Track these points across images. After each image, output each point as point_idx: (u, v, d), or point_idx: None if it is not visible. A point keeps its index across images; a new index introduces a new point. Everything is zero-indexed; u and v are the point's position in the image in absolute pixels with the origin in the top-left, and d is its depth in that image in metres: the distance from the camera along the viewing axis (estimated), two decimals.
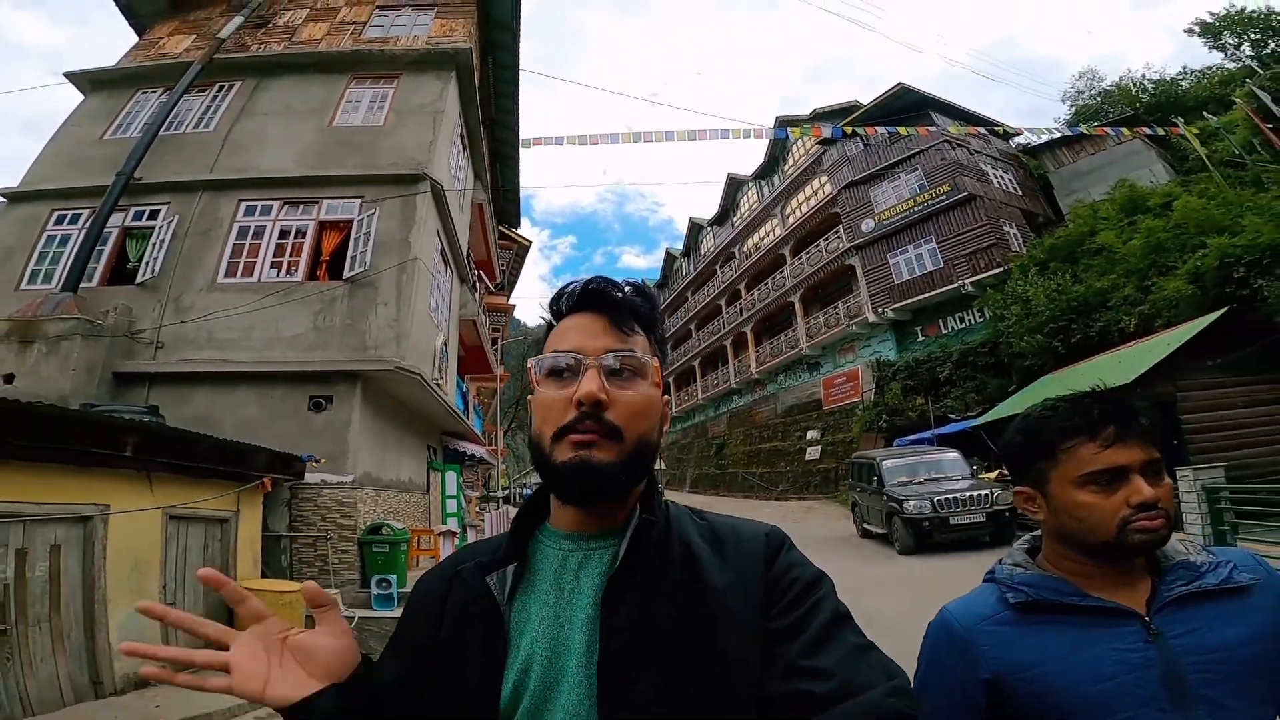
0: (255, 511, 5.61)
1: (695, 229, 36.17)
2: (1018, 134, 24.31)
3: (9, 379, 6.46)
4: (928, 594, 5.68)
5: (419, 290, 7.93)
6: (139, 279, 7.68)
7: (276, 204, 8.23)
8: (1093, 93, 35.03)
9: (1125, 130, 19.97)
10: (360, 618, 5.76)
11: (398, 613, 7.24)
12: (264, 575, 5.81)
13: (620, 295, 0.73)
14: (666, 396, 0.75)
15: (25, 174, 8.98)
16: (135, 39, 11.18)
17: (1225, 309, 9.90)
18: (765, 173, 29.26)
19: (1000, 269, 18.56)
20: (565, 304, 0.74)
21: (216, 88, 9.70)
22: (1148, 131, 19.13)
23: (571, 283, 0.75)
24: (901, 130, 17.79)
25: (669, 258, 40.71)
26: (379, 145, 8.80)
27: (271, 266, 7.83)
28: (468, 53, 9.89)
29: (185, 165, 8.59)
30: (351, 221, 8.05)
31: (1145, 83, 32.61)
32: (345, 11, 10.88)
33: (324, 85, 9.55)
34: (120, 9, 11.20)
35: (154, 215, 8.25)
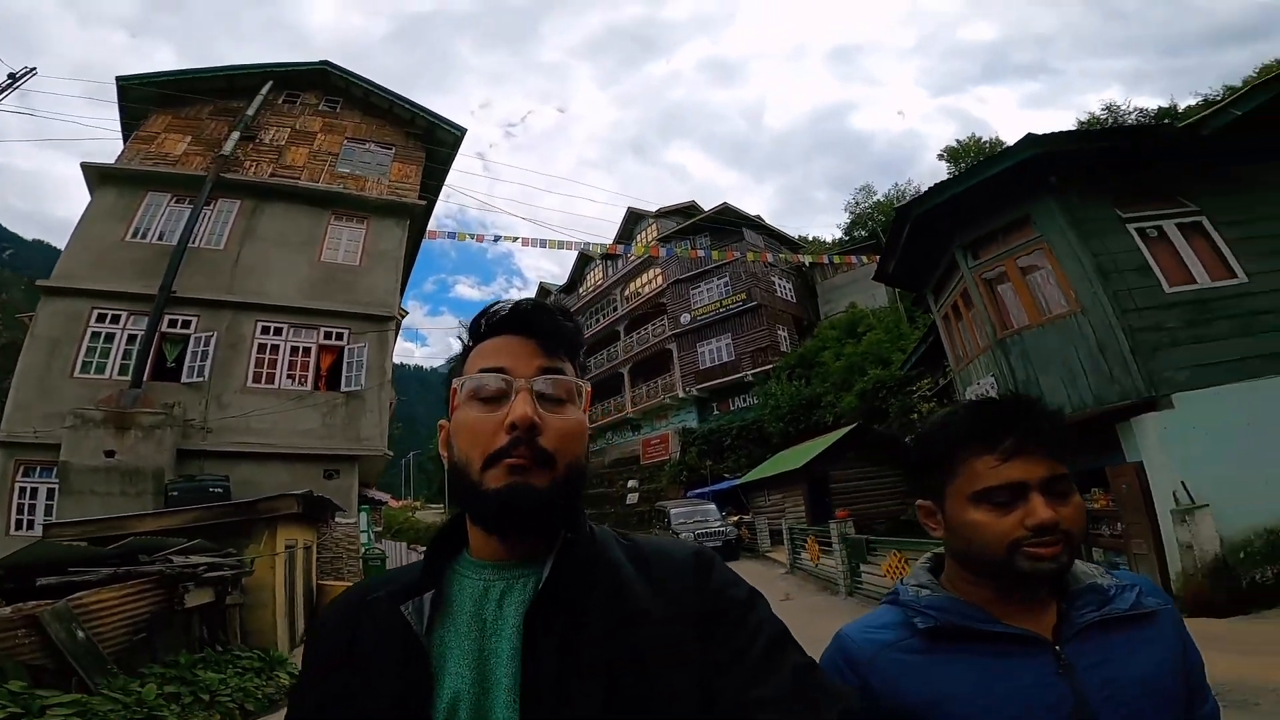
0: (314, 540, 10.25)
1: (544, 293, 42.16)
2: (800, 260, 33.77)
3: (110, 454, 10.31)
4: None
5: (388, 399, 12.91)
6: (185, 379, 11.56)
7: (286, 326, 12.57)
8: (868, 204, 47.73)
9: (864, 258, 30.11)
10: None
11: None
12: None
13: (551, 318, 0.73)
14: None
15: (57, 267, 12.13)
16: (117, 119, 14.35)
17: (855, 424, 18.30)
18: (612, 255, 36.44)
19: (772, 365, 27.13)
20: (490, 324, 0.74)
21: (218, 200, 13.20)
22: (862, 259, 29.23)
23: (496, 302, 0.76)
24: (714, 254, 25.73)
25: None
26: (358, 284, 13.44)
27: (287, 377, 12.22)
28: (423, 207, 15.04)
29: (207, 281, 12.36)
30: (343, 347, 12.76)
31: (904, 198, 45.60)
32: (320, 139, 14.96)
33: (310, 218, 13.70)
34: (119, 98, 14.15)
35: (186, 324, 12.05)
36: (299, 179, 14.21)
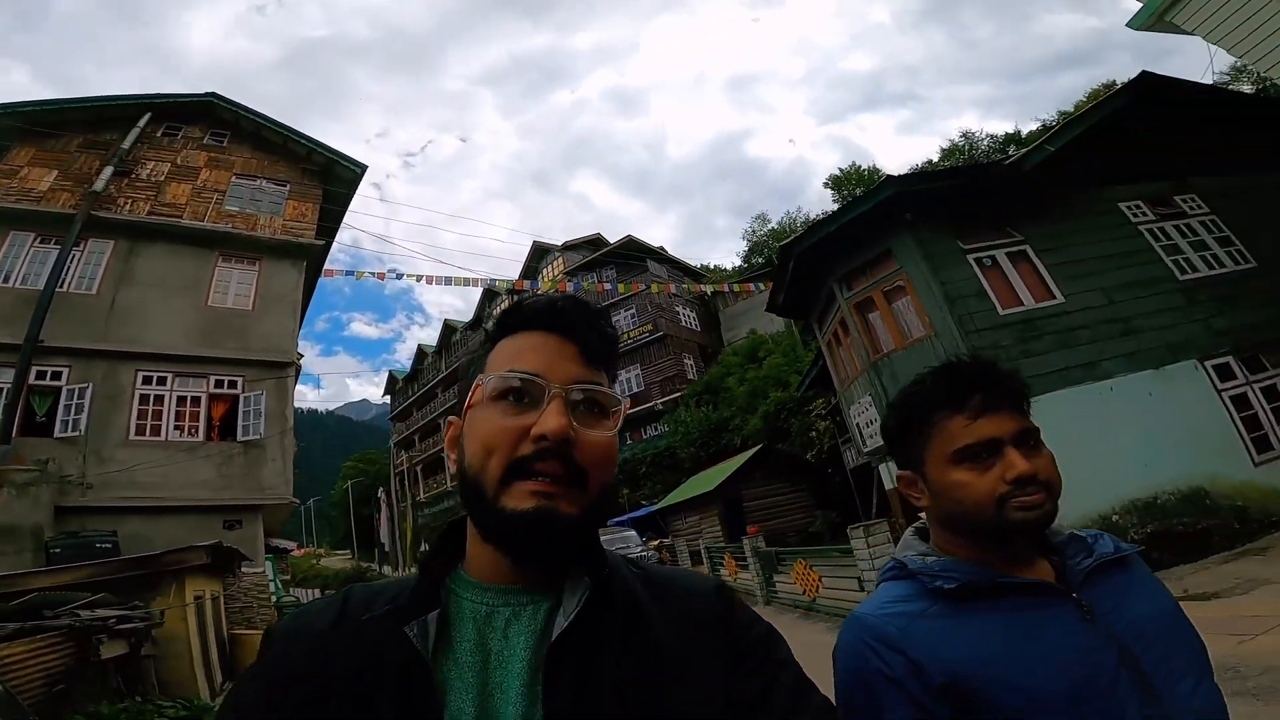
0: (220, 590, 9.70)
1: (449, 330, 41.55)
2: (702, 290, 35.35)
3: None
4: None
5: (290, 446, 12.47)
6: (58, 433, 10.65)
7: (170, 376, 11.89)
8: (763, 231, 50.42)
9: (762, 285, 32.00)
10: None
11: None
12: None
13: (595, 321, 0.68)
14: None
15: None
16: None
17: (761, 445, 19.46)
18: (518, 290, 36.59)
19: (680, 393, 28.16)
20: (523, 319, 0.68)
21: (89, 241, 12.26)
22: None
23: (530, 296, 0.70)
24: (620, 288, 26.56)
25: (420, 354, 45.03)
26: (252, 330, 12.99)
27: (175, 428, 11.52)
28: (321, 248, 14.69)
29: (78, 329, 11.46)
30: (238, 395, 12.23)
31: (796, 226, 48.64)
32: (206, 174, 14.20)
33: (195, 260, 13.04)
34: None
35: (56, 376, 11.13)
36: (181, 217, 13.45)
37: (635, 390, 29.63)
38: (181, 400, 11.92)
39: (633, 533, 18.53)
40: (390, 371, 49.64)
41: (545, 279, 34.74)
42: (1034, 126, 36.08)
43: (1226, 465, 7.39)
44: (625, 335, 30.85)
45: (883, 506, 12.49)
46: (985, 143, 39.93)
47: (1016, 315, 8.30)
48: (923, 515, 1.01)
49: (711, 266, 52.31)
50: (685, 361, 30.73)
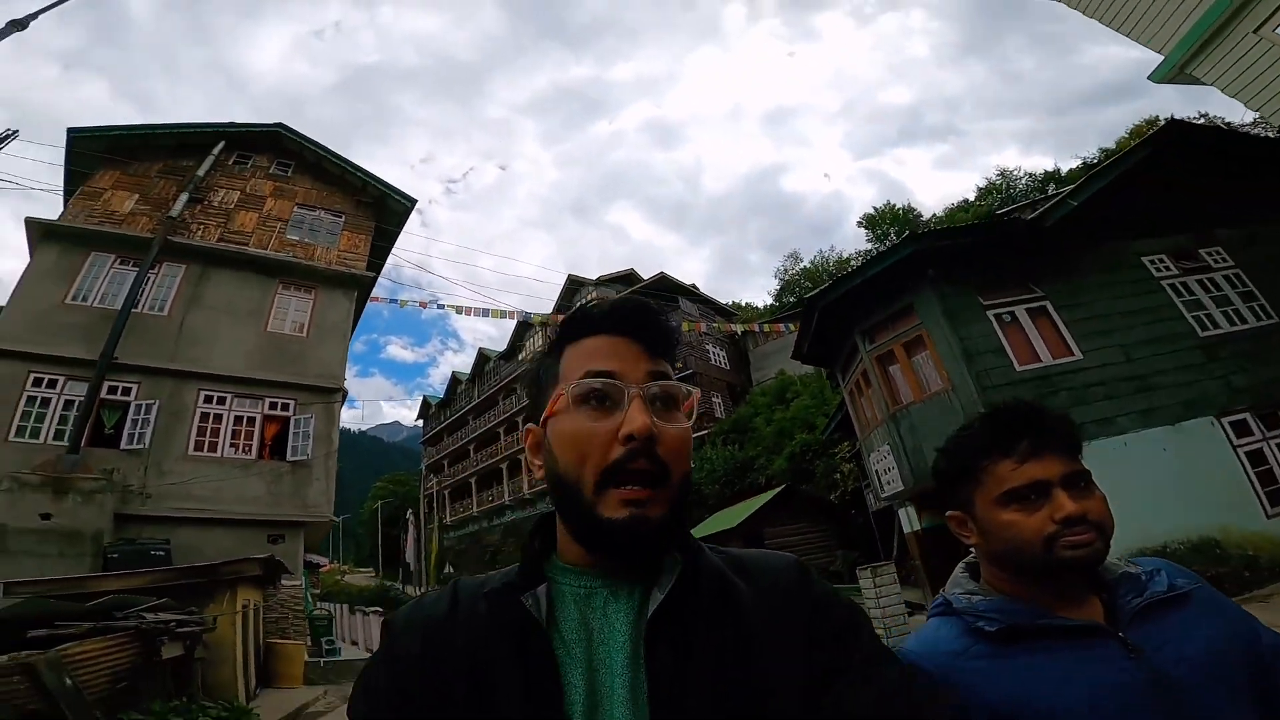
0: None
1: (483, 359, 42.63)
2: (732, 329, 35.70)
3: (46, 517, 10.21)
4: None
5: (334, 467, 13.20)
6: (124, 445, 11.56)
7: (230, 396, 12.81)
8: (796, 270, 50.53)
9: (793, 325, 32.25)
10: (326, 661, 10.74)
11: (345, 657, 11.68)
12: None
13: (656, 318, 0.72)
14: None
15: None
16: (61, 171, 14.13)
17: (785, 485, 19.55)
18: (555, 313, 37.56)
19: (708, 430, 28.35)
20: (589, 323, 0.72)
21: (163, 264, 13.31)
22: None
23: (592, 302, 0.74)
24: None
25: (454, 381, 46.19)
26: (306, 355, 13.87)
27: (230, 446, 12.37)
28: (370, 279, 15.64)
29: (149, 348, 12.49)
30: (289, 418, 13.05)
31: (829, 265, 48.63)
32: (271, 203, 15.28)
33: (258, 287, 14.03)
34: (67, 149, 14.02)
35: (126, 391, 12.11)
36: (248, 245, 14.50)
37: None
38: (238, 420, 12.77)
39: None
40: (424, 396, 50.91)
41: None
42: (1075, 164, 35.90)
43: (1239, 517, 7.47)
44: None
45: (902, 548, 12.55)
46: (1023, 181, 39.80)
47: (1033, 372, 8.54)
48: (968, 554, 1.07)
49: (743, 304, 52.79)
50: (713, 400, 30.96)
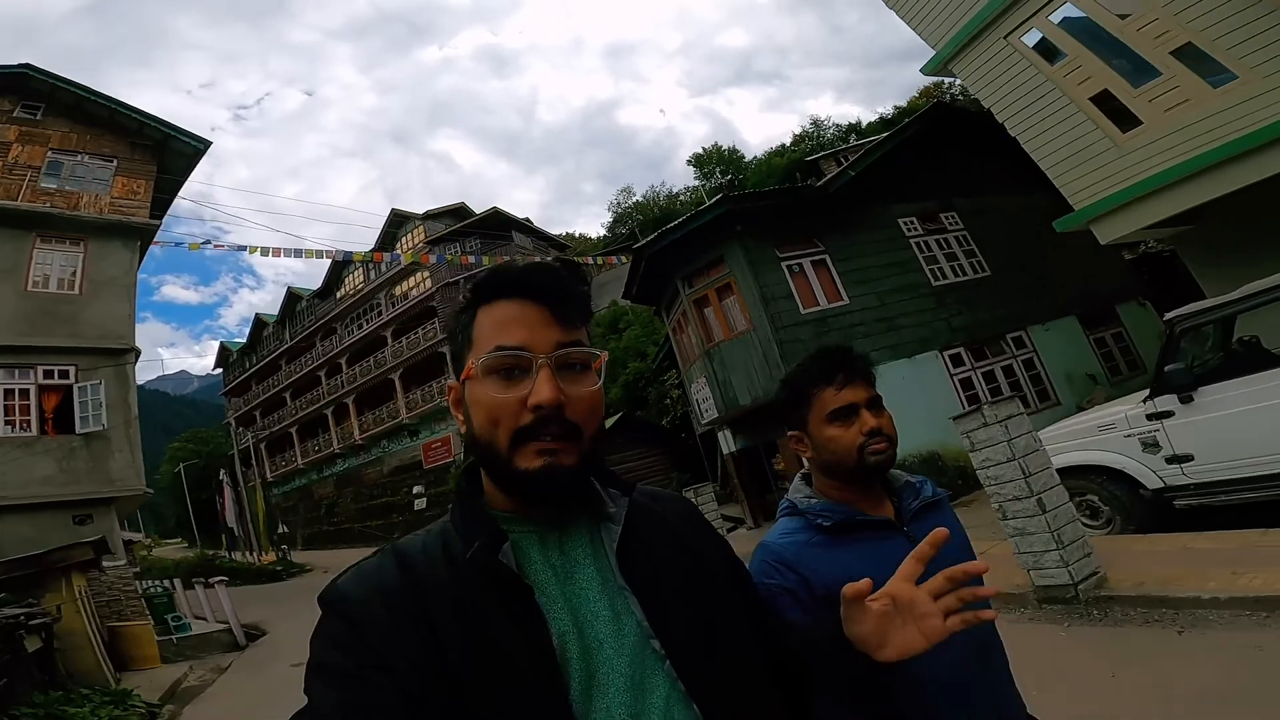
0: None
1: (293, 299, 38.96)
2: (572, 257, 35.98)
3: None
4: None
5: (137, 435, 12.15)
6: None
7: None
8: (629, 203, 51.76)
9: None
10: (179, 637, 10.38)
11: (198, 630, 11.15)
12: None
13: (565, 285, 0.74)
14: None
15: None
16: None
17: (621, 413, 21.33)
18: (375, 250, 35.10)
19: None
20: (503, 288, 0.74)
21: None
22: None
23: (501, 267, 0.76)
24: (485, 260, 26.80)
25: (259, 324, 41.78)
26: (81, 316, 12.24)
27: (6, 423, 10.84)
28: (154, 226, 13.88)
29: None
30: (71, 385, 11.64)
31: (659, 199, 50.47)
32: (18, 150, 12.85)
33: (8, 241, 11.96)
34: None
35: None
36: None
37: None
38: (8, 393, 11.20)
39: None
40: (222, 342, 45.53)
41: (404, 249, 33.60)
42: (873, 118, 40.52)
43: (952, 436, 10.08)
44: None
45: (724, 468, 14.77)
46: (831, 131, 44.23)
47: (813, 314, 10.53)
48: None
49: (577, 235, 53.31)
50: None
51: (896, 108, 36.98)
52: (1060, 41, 8.61)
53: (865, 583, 0.74)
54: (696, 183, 46.58)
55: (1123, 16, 7.92)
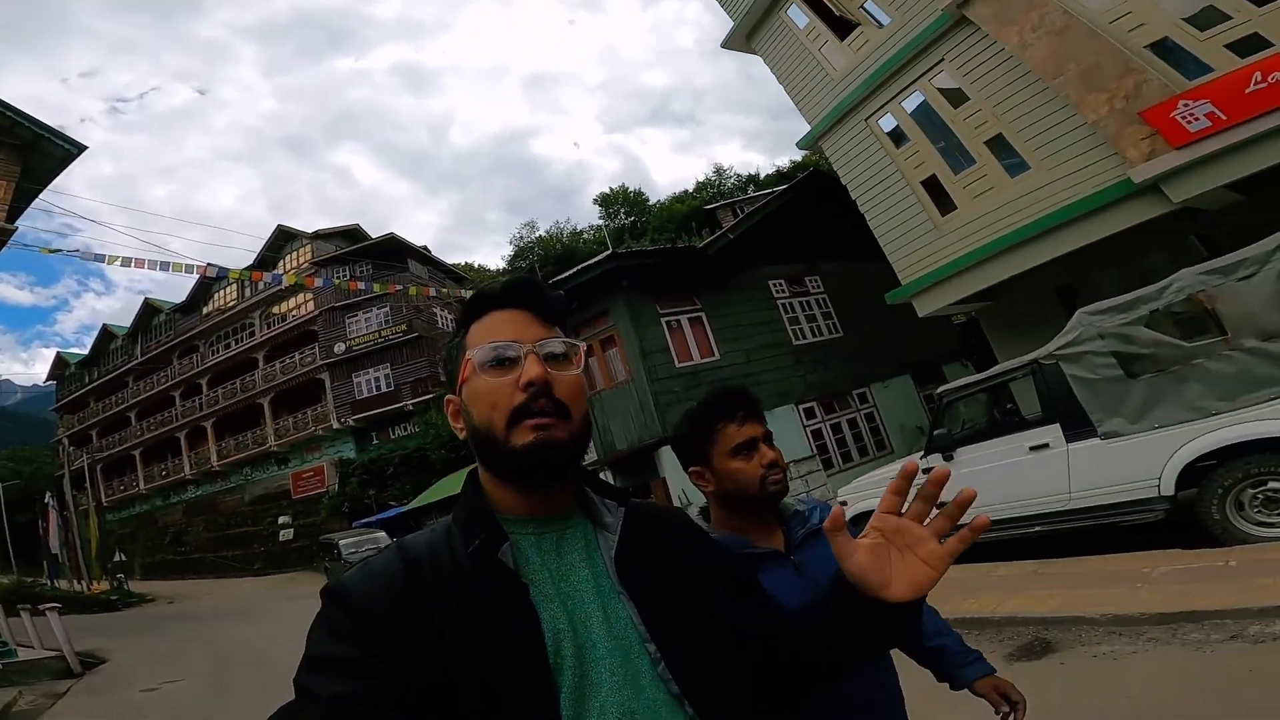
0: None
1: (151, 311, 35.91)
2: (461, 294, 35.61)
3: None
4: None
5: None
6: None
7: None
8: (531, 238, 51.95)
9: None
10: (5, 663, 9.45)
11: (25, 656, 9.99)
12: None
13: (542, 292, 0.85)
14: None
15: None
16: None
17: None
18: (254, 269, 33.13)
19: (433, 394, 28.69)
20: (488, 302, 0.84)
21: None
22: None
23: (486, 286, 0.87)
24: (376, 287, 26.25)
25: (106, 335, 38.00)
26: None
27: None
28: (10, 233, 12.78)
29: None
30: None
31: (563, 236, 50.98)
32: None
33: None
34: None
35: None
36: None
37: (384, 390, 29.39)
38: None
39: (382, 534, 19.26)
40: (59, 352, 40.82)
41: (287, 268, 31.86)
42: (771, 170, 43.74)
43: None
44: (377, 334, 30.28)
45: None
46: (732, 180, 47.18)
47: (687, 368, 11.68)
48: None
49: (475, 266, 52.80)
50: (439, 363, 31.29)
51: (792, 161, 40.27)
52: (908, 128, 10.16)
53: (840, 509, 0.76)
54: (600, 222, 47.93)
55: (955, 105, 9.49)
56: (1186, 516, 4.67)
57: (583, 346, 0.84)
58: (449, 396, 0.86)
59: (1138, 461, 4.81)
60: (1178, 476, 4.63)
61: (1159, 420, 4.76)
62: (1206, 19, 7.33)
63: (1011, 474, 5.49)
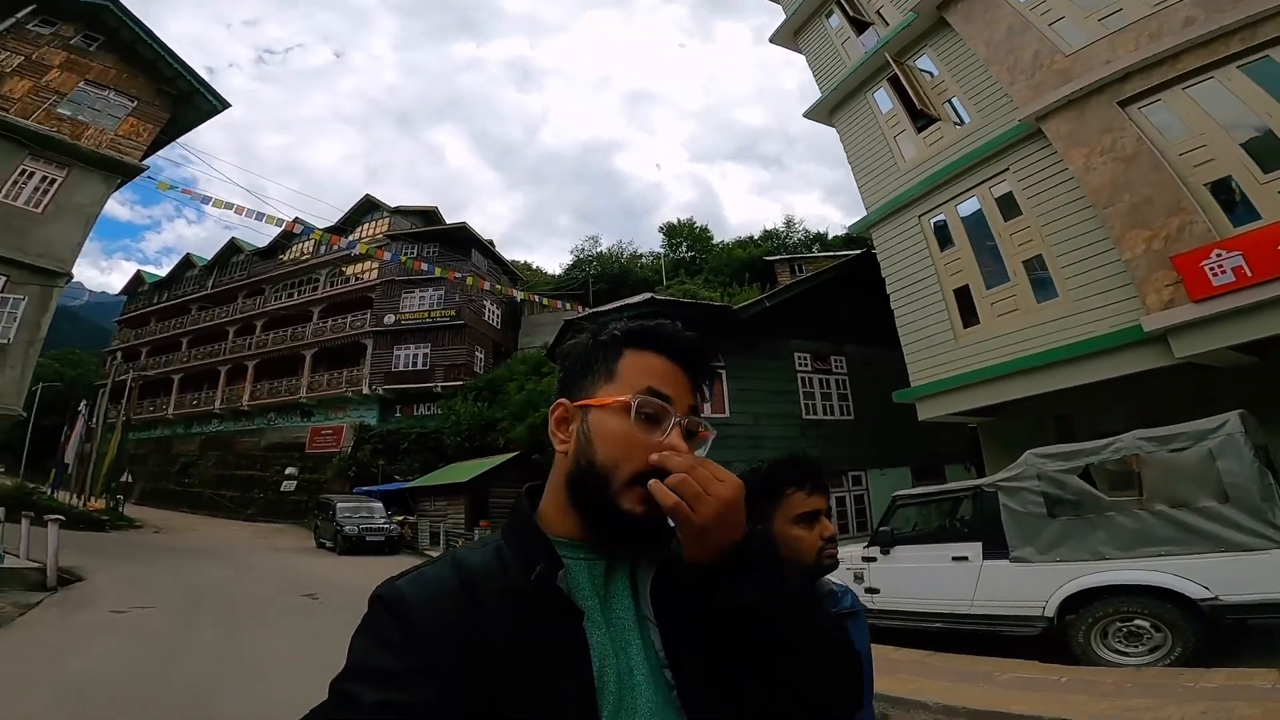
0: None
1: (233, 249, 38.57)
2: (513, 293, 37.21)
3: None
4: (359, 571, 12.85)
5: (34, 358, 12.76)
6: None
7: None
8: (591, 252, 53.40)
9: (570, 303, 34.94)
10: None
11: (8, 564, 11.01)
12: None
13: (708, 360, 0.85)
14: None
15: None
16: None
17: (519, 453, 22.73)
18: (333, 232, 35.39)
19: (463, 382, 30.15)
20: (656, 342, 0.83)
21: None
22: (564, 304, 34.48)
23: (657, 323, 0.86)
24: (438, 270, 27.97)
25: (186, 263, 40.96)
26: (31, 232, 12.87)
27: None
28: (141, 170, 14.66)
29: None
30: None
31: (622, 257, 52.34)
32: (54, 75, 13.66)
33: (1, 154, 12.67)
34: None
35: None
36: (8, 111, 13.03)
37: (419, 367, 30.93)
38: None
39: (379, 504, 20.50)
40: (139, 270, 43.92)
41: (363, 237, 33.71)
42: (841, 231, 44.29)
43: None
44: (426, 313, 31.96)
45: None
46: (799, 236, 47.87)
47: None
48: None
49: (533, 266, 54.78)
50: (476, 354, 32.67)
51: (847, 229, 40.61)
52: (956, 232, 10.59)
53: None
54: (661, 250, 49.11)
55: (1006, 218, 9.85)
56: (1059, 636, 5.45)
57: (713, 432, 0.84)
58: (561, 399, 0.84)
59: (1033, 585, 5.64)
60: (1060, 603, 5.45)
61: (1062, 556, 5.58)
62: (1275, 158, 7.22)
63: (932, 576, 6.33)
